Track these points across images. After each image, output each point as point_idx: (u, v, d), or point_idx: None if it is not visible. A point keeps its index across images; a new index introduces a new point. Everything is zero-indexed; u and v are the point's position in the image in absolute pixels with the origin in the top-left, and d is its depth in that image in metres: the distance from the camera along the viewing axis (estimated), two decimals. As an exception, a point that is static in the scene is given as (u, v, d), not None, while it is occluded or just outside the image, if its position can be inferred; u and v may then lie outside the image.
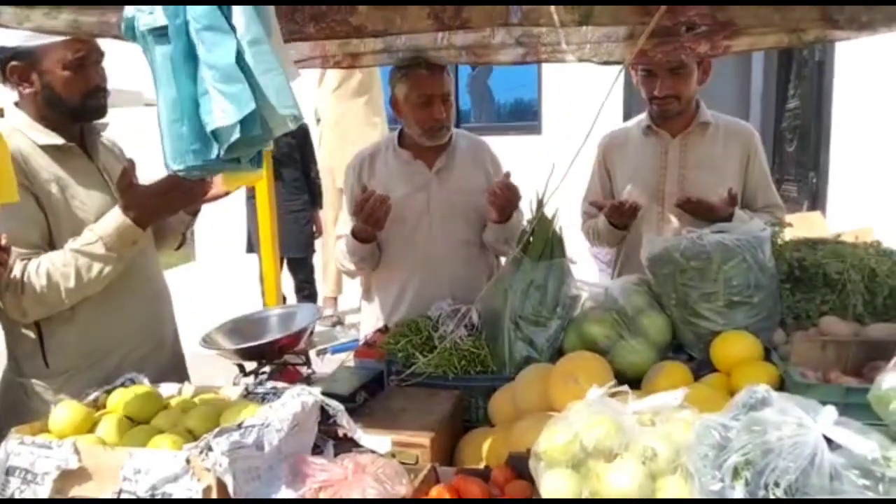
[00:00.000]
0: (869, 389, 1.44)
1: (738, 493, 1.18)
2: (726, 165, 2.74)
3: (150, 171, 1.97)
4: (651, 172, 2.79)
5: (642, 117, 2.85)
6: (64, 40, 1.93)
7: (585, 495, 1.32)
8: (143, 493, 1.39)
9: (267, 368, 2.35)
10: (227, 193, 2.12)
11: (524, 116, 8.60)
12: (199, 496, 1.38)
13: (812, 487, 1.14)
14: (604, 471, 1.31)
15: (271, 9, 1.35)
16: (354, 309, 5.92)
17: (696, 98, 2.76)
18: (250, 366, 2.38)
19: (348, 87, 6.16)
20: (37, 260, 1.93)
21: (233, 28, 1.25)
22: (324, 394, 1.69)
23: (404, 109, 2.66)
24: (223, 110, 1.24)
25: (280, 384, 1.79)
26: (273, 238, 3.17)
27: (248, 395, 1.78)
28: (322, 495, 1.46)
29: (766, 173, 2.82)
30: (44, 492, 1.45)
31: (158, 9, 1.26)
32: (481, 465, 1.78)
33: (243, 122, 1.25)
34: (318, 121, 6.39)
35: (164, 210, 2.04)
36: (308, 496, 1.47)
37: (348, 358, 2.38)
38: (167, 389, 1.84)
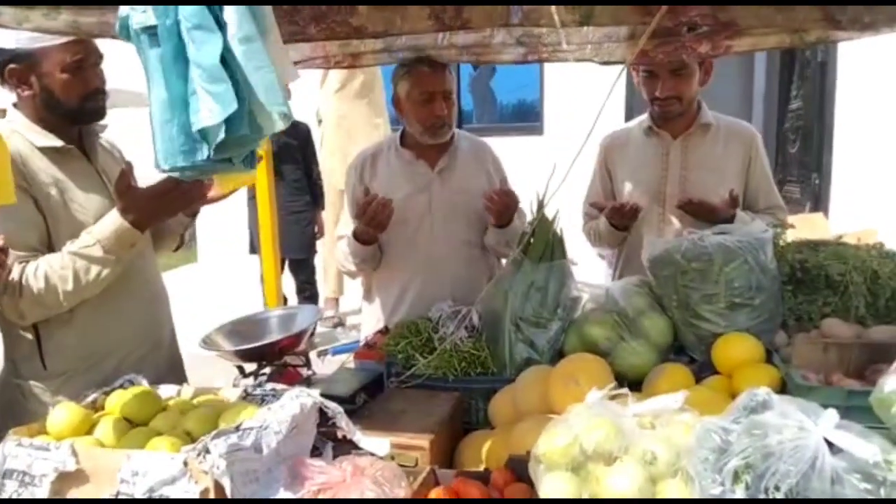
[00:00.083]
0: (871, 392, 1.43)
1: (739, 497, 1.17)
2: (728, 166, 2.73)
3: (149, 173, 1.96)
4: (652, 174, 2.78)
5: (643, 118, 2.84)
6: (63, 43, 1.93)
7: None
8: (140, 496, 1.39)
9: (267, 370, 2.35)
10: (225, 195, 2.11)
11: (526, 117, 8.59)
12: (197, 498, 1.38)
13: (813, 492, 1.13)
14: (603, 474, 1.30)
15: (268, 8, 1.34)
16: (356, 310, 5.91)
17: (697, 99, 2.75)
18: (250, 367, 2.37)
19: (350, 89, 6.16)
20: (35, 262, 1.92)
21: (222, 26, 1.24)
22: (323, 395, 1.68)
23: (406, 107, 2.66)
24: (210, 110, 1.23)
25: (279, 386, 1.78)
26: (274, 239, 3.17)
27: (247, 396, 1.77)
28: (320, 498, 1.46)
29: (767, 174, 2.81)
30: (42, 494, 1.44)
31: (151, 7, 1.25)
32: (481, 468, 1.77)
33: (229, 122, 1.25)
34: (320, 122, 6.39)
35: (163, 212, 2.03)
36: (306, 498, 1.46)
37: (348, 359, 2.37)
38: (166, 391, 1.84)
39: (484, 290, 2.29)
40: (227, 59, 1.24)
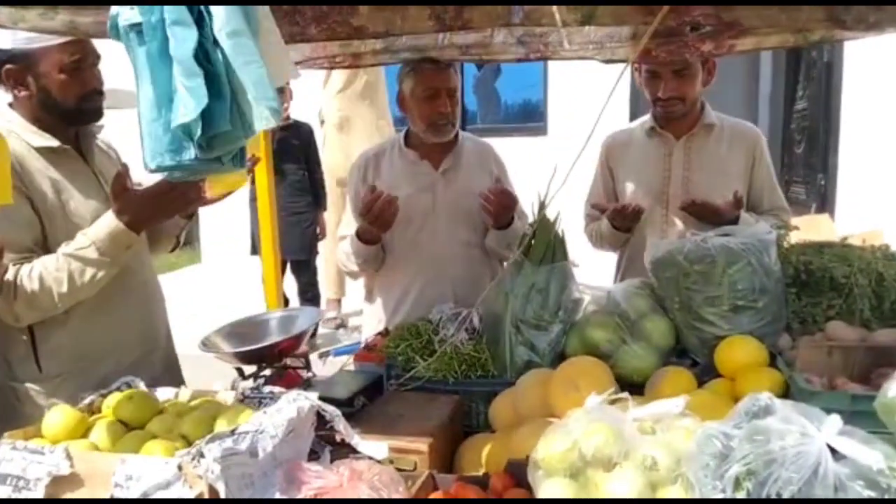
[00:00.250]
0: (875, 397, 1.41)
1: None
2: (731, 167, 2.71)
3: (146, 174, 1.95)
4: (655, 174, 2.76)
5: (646, 118, 2.83)
6: (60, 43, 1.92)
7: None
8: (134, 500, 1.37)
9: (267, 372, 2.33)
10: (218, 198, 2.08)
11: (530, 118, 8.59)
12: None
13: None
14: (602, 480, 1.28)
15: (265, 8, 1.33)
16: (358, 311, 5.91)
17: (700, 99, 2.73)
18: (250, 369, 2.35)
19: (353, 90, 6.16)
20: (30, 264, 1.91)
21: (202, 21, 1.23)
22: (322, 398, 1.66)
23: (410, 104, 2.65)
24: (185, 105, 1.22)
25: (277, 388, 1.77)
26: (274, 240, 3.15)
27: (244, 399, 1.76)
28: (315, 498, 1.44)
29: (771, 175, 2.79)
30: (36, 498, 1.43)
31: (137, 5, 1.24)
32: (481, 472, 1.75)
33: (210, 117, 1.23)
34: (322, 122, 6.39)
35: (159, 214, 2.02)
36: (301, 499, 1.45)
37: (348, 362, 2.36)
38: (163, 393, 1.83)
39: (484, 292, 2.27)
40: (208, 54, 1.23)
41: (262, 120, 1.29)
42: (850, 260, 2.11)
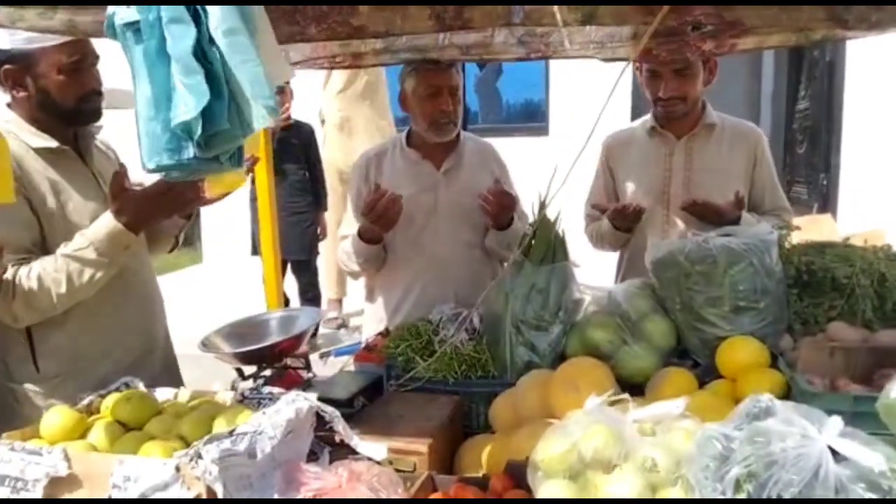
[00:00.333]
0: (878, 398, 1.40)
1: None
2: (732, 167, 2.70)
3: (146, 173, 1.94)
4: (655, 174, 2.75)
5: (647, 118, 2.82)
6: (59, 44, 1.91)
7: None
8: (132, 501, 1.37)
9: (267, 372, 2.33)
10: (216, 198, 2.08)
11: (532, 118, 8.59)
12: None
13: (816, 501, 1.11)
14: (602, 482, 1.28)
15: (260, 8, 1.32)
16: (359, 311, 5.89)
17: (701, 99, 2.72)
18: (250, 370, 2.35)
19: (354, 90, 6.15)
20: (28, 265, 1.91)
21: (199, 19, 1.22)
22: (321, 399, 1.66)
23: (412, 103, 2.64)
24: (185, 103, 1.22)
25: (277, 389, 1.76)
26: (274, 240, 3.15)
27: (243, 400, 1.75)
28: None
29: (773, 175, 2.78)
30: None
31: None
32: (481, 473, 1.75)
33: (209, 116, 1.23)
34: (323, 122, 6.39)
35: (157, 214, 2.01)
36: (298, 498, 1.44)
37: (348, 362, 2.35)
38: (162, 394, 1.82)
39: (484, 293, 2.26)
40: (205, 52, 1.22)
41: (260, 118, 1.28)
42: (852, 260, 2.10)
